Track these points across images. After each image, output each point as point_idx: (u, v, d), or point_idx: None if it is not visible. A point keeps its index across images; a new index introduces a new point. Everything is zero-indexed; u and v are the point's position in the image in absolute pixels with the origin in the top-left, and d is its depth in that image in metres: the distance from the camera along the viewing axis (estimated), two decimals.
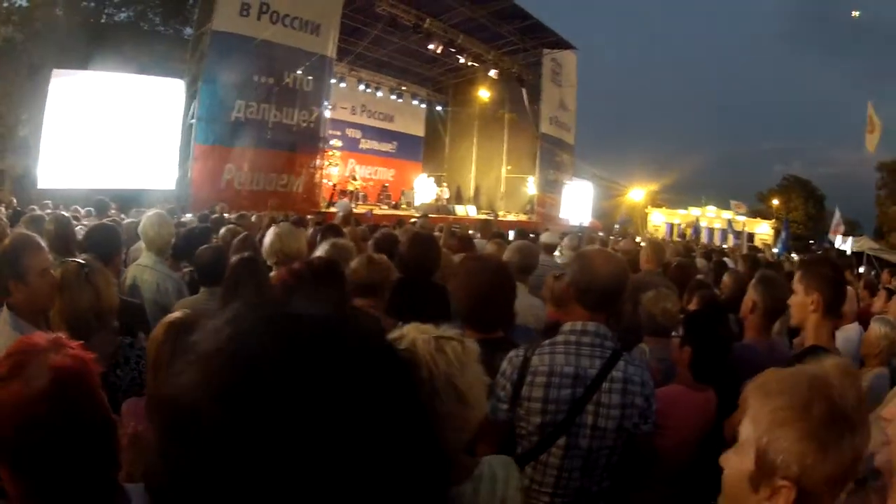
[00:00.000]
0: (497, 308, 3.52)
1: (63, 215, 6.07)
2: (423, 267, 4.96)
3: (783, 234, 34.73)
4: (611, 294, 3.14)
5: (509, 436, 3.05)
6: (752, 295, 4.29)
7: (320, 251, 4.73)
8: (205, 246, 5.15)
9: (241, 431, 0.69)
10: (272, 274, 4.67)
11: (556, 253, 8.88)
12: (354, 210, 18.80)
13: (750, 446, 1.51)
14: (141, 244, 5.56)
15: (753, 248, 25.05)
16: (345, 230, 7.94)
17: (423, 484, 0.79)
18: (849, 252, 29.51)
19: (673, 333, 4.35)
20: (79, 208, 12.59)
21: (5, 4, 29.88)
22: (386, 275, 4.23)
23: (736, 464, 1.57)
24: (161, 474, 0.75)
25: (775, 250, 31.28)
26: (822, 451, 1.42)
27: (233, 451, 0.69)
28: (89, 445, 1.69)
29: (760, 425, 1.50)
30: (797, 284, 3.53)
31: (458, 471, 2.05)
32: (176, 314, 2.87)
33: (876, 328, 4.96)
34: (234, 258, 4.32)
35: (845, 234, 31.56)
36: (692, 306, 5.14)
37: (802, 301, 3.48)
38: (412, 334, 1.98)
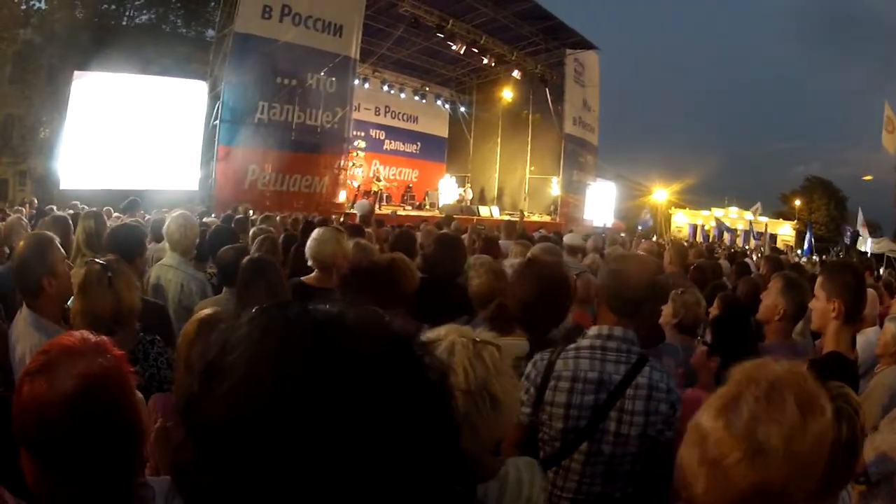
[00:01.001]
0: (558, 310, 3.61)
1: (100, 213, 6.07)
2: (446, 268, 4.95)
3: (808, 237, 34.56)
4: (641, 300, 3.14)
5: (532, 440, 3.04)
6: (778, 300, 4.25)
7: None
8: (227, 246, 5.15)
9: (272, 439, 0.72)
10: (311, 275, 4.89)
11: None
12: (378, 211, 18.83)
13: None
14: (164, 244, 5.55)
15: (776, 250, 24.94)
16: (367, 230, 7.95)
17: (446, 484, 0.82)
18: (869, 254, 29.36)
19: (699, 338, 4.33)
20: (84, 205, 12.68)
21: (23, 7, 30.21)
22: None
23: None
24: (193, 473, 0.78)
25: (800, 252, 31.15)
26: None
27: (263, 458, 0.72)
28: (108, 450, 1.68)
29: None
30: (819, 290, 3.58)
31: (485, 470, 2.06)
32: (207, 311, 2.92)
33: (891, 328, 4.90)
34: (244, 260, 4.36)
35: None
36: (714, 309, 5.10)
37: (824, 307, 3.53)
38: (451, 337, 1.98)
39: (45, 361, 1.69)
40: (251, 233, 7.34)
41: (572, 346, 3.04)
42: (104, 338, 1.85)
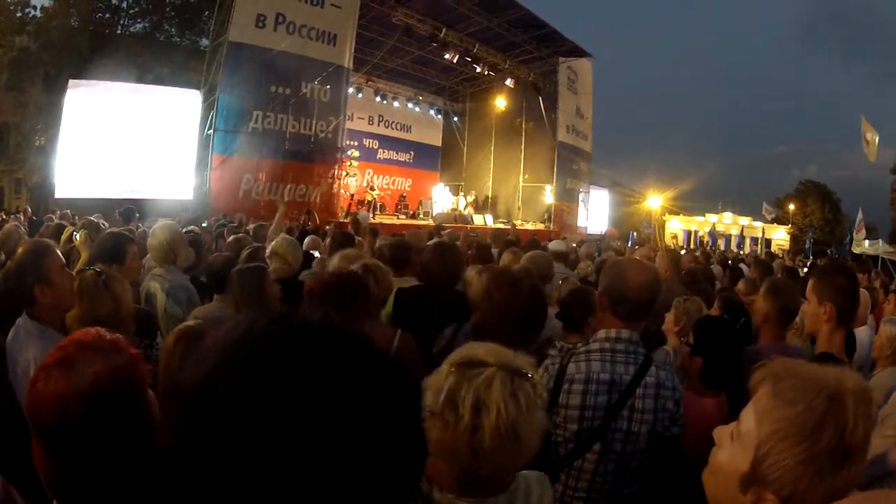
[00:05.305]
0: (535, 321, 3.56)
1: (94, 221, 6.08)
2: (443, 275, 4.97)
3: (809, 243, 34.74)
4: (644, 304, 3.16)
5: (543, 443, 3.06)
6: (762, 303, 4.33)
7: (334, 260, 4.83)
8: (216, 255, 5.20)
9: (234, 420, 0.75)
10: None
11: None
12: (371, 220, 18.87)
13: (750, 445, 1.45)
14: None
15: (770, 255, 24.95)
16: (359, 239, 8.01)
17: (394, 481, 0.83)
18: (864, 256, 29.42)
19: (683, 340, 4.37)
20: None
21: (19, 14, 30.22)
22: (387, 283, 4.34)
23: (731, 456, 1.51)
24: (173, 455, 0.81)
25: (804, 257, 31.30)
26: (819, 477, 1.37)
27: (225, 437, 0.75)
28: (121, 445, 1.69)
29: (764, 427, 1.44)
30: (810, 294, 3.52)
31: (495, 484, 2.01)
32: (188, 323, 2.98)
33: (886, 330, 4.92)
34: (236, 268, 4.48)
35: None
36: (714, 310, 5.16)
37: (816, 311, 3.47)
38: (491, 368, 1.88)
39: (66, 356, 1.71)
40: (228, 240, 7.39)
41: (582, 349, 3.10)
42: (119, 336, 1.87)
